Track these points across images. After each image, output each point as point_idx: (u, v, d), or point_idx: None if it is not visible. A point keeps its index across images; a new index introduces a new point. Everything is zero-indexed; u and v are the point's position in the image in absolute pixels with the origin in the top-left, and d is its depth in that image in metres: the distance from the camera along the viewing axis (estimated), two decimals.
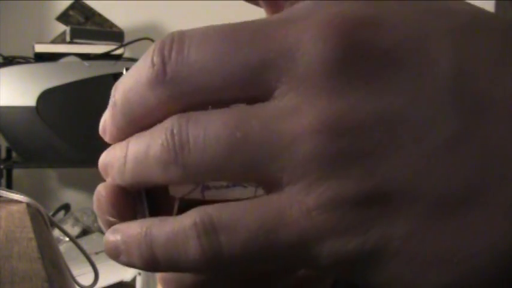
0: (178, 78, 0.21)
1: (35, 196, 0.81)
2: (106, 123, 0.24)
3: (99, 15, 2.25)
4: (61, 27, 2.22)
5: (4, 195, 0.81)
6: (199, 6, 2.43)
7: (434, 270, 0.18)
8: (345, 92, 0.19)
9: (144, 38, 2.09)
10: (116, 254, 0.23)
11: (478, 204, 0.18)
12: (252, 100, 0.21)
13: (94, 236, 2.21)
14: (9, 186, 2.15)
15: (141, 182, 0.23)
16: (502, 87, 0.19)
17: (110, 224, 0.25)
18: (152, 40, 2.10)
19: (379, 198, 0.18)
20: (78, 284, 0.66)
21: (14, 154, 2.14)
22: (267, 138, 0.20)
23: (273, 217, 0.20)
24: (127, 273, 1.88)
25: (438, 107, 0.18)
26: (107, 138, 0.24)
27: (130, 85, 0.22)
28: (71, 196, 2.46)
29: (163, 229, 0.22)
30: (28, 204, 0.78)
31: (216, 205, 0.21)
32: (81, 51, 2.06)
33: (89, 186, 2.35)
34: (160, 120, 0.22)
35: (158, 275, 0.29)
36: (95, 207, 0.25)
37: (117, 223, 0.24)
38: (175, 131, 0.21)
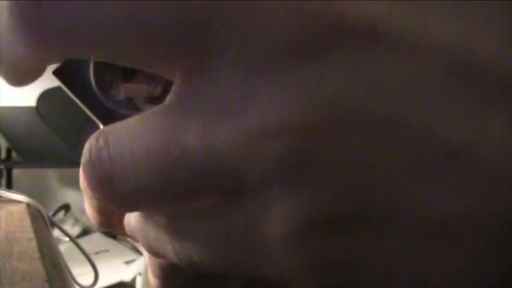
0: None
1: (35, 196, 0.81)
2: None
3: None
4: None
5: (4, 195, 0.81)
6: None
7: None
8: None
9: None
10: None
11: None
12: None
13: (94, 236, 2.21)
14: (9, 186, 2.15)
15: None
16: None
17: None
18: None
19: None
20: (78, 284, 0.66)
21: (14, 154, 2.14)
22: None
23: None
24: (127, 273, 1.88)
25: None
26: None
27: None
28: (71, 196, 2.46)
29: None
30: (28, 204, 0.78)
31: None
32: None
33: None
34: None
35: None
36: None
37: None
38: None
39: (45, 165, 2.23)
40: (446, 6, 0.14)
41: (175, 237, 0.18)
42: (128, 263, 1.96)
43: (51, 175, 2.53)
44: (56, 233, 0.84)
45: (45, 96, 1.94)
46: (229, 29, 0.14)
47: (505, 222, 0.14)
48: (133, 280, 1.85)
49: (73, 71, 0.28)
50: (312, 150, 0.14)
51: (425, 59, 0.14)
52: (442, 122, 0.14)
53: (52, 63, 0.17)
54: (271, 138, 0.14)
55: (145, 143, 0.16)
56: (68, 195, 2.48)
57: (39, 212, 0.76)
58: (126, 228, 0.22)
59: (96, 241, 2.11)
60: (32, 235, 0.62)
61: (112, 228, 0.24)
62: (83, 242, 1.93)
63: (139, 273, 1.81)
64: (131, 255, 2.00)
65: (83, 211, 2.22)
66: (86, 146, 0.17)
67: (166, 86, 0.27)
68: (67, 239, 0.76)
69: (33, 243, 0.59)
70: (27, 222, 0.69)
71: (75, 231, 2.18)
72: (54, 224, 0.77)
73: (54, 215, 2.23)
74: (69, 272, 0.62)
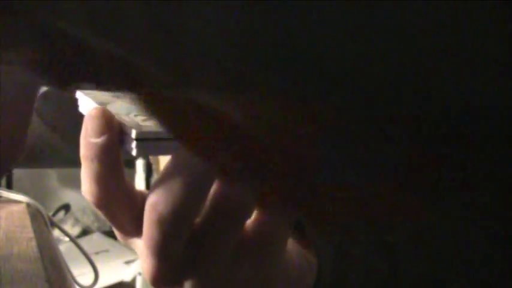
0: None
1: (35, 196, 0.81)
2: None
3: None
4: None
5: (4, 195, 0.81)
6: None
7: None
8: None
9: None
10: None
11: None
12: None
13: (94, 236, 2.21)
14: (9, 186, 2.15)
15: None
16: None
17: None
18: None
19: None
20: (78, 284, 0.66)
21: None
22: None
23: None
24: (127, 273, 1.88)
25: None
26: None
27: None
28: (71, 196, 2.46)
29: None
30: (28, 204, 0.78)
31: None
32: None
33: None
34: None
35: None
36: (82, 135, 0.28)
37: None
38: None
39: (45, 165, 2.23)
40: None
41: None
42: (127, 263, 1.96)
43: (51, 175, 2.53)
44: (56, 233, 0.84)
45: (45, 96, 1.94)
46: None
47: None
48: (134, 280, 1.85)
49: None
50: None
51: None
52: None
53: None
54: None
55: None
56: (68, 195, 2.48)
57: (39, 212, 0.76)
58: None
59: (96, 241, 2.11)
60: (32, 235, 0.62)
61: None
62: (83, 242, 1.93)
63: (140, 273, 1.81)
64: (131, 255, 2.00)
65: (83, 211, 2.22)
66: None
67: None
68: (67, 239, 0.76)
69: (33, 243, 0.59)
70: (27, 222, 0.69)
71: (75, 231, 2.18)
72: (54, 224, 0.77)
73: (54, 215, 2.23)
74: (69, 272, 0.62)
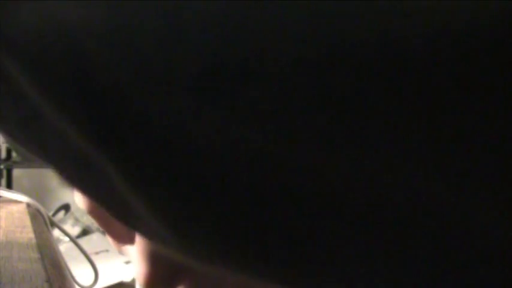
0: None
1: (35, 196, 0.81)
2: None
3: None
4: None
5: (4, 195, 0.81)
6: None
7: None
8: None
9: None
10: None
11: None
12: None
13: (94, 236, 2.21)
14: (9, 186, 2.15)
15: None
16: None
17: None
18: None
19: None
20: (78, 284, 0.66)
21: (14, 154, 2.14)
22: None
23: None
24: (127, 273, 1.88)
25: None
26: None
27: None
28: (71, 196, 2.46)
29: None
30: (28, 204, 0.78)
31: None
32: None
33: None
34: None
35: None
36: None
37: None
38: None
39: (45, 165, 2.23)
40: None
41: None
42: (128, 263, 1.96)
43: (51, 175, 2.53)
44: (56, 233, 0.84)
45: None
46: None
47: None
48: (134, 280, 1.85)
49: None
50: None
51: None
52: None
53: None
54: None
55: None
56: (68, 195, 2.48)
57: (39, 212, 0.76)
58: None
59: (96, 241, 2.12)
60: (32, 235, 0.62)
61: None
62: (83, 242, 1.93)
63: None
64: None
65: (83, 211, 2.22)
66: None
67: None
68: (67, 239, 0.76)
69: (33, 243, 0.59)
70: (27, 222, 0.69)
71: (75, 231, 2.18)
72: (54, 224, 0.77)
73: (54, 215, 2.23)
74: (69, 272, 0.62)
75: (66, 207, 2.34)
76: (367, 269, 0.14)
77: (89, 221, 2.23)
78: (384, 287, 0.14)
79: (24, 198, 0.79)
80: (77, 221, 2.26)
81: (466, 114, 0.11)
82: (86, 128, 0.13)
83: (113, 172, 0.14)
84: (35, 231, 0.65)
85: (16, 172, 2.27)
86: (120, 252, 0.32)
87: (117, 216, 0.16)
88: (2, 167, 2.11)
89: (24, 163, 2.13)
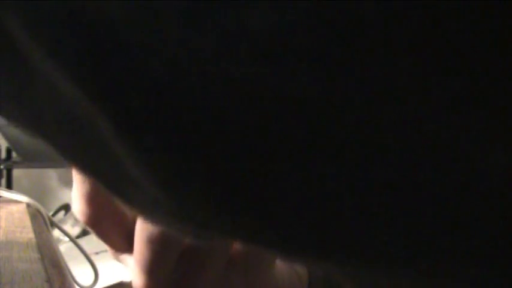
0: None
1: (35, 196, 0.81)
2: None
3: None
4: None
5: (4, 195, 0.81)
6: None
7: None
8: None
9: None
10: None
11: None
12: None
13: (94, 236, 2.20)
14: (9, 186, 2.15)
15: None
16: None
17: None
18: None
19: None
20: (78, 284, 0.66)
21: (14, 154, 2.14)
22: None
23: None
24: (127, 273, 1.88)
25: None
26: None
27: None
28: (71, 196, 2.47)
29: None
30: (28, 204, 0.78)
31: None
32: None
33: None
34: None
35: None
36: None
37: None
38: None
39: (45, 165, 2.23)
40: None
41: None
42: None
43: (51, 175, 2.53)
44: (56, 233, 0.84)
45: None
46: None
47: None
48: None
49: None
50: None
51: None
52: None
53: None
54: None
55: None
56: (68, 195, 2.48)
57: (39, 212, 0.76)
58: None
59: (96, 241, 2.11)
60: (32, 235, 0.62)
61: None
62: (83, 242, 1.93)
63: None
64: None
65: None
66: None
67: None
68: (67, 239, 0.76)
69: (33, 243, 0.59)
70: (27, 222, 0.69)
71: (75, 231, 2.18)
72: (54, 224, 0.77)
73: (54, 215, 2.23)
74: (69, 272, 0.62)
75: (66, 207, 2.34)
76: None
77: None
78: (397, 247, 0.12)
79: (24, 198, 0.79)
80: (76, 221, 2.26)
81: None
82: (75, 71, 0.12)
83: (104, 125, 0.13)
84: (35, 231, 0.65)
85: (16, 172, 2.27)
86: (118, 261, 0.32)
87: (113, 187, 0.16)
88: (2, 167, 2.11)
89: (24, 163, 2.13)
